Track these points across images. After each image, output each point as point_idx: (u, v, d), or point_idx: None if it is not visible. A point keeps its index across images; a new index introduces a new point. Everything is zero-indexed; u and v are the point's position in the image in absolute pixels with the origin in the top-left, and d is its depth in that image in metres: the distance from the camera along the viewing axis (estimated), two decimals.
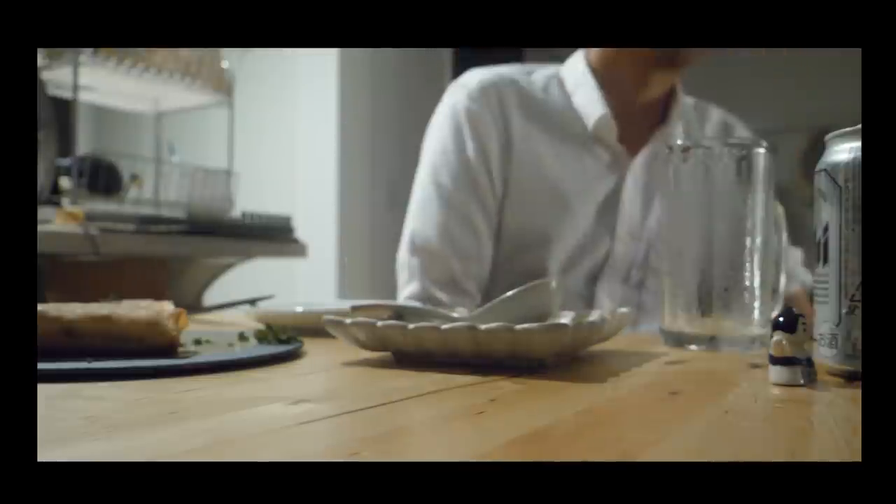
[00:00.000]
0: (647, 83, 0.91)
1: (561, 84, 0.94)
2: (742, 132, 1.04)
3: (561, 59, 0.98)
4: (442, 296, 0.88)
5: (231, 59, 1.67)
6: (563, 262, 0.90)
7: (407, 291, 0.91)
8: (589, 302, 0.91)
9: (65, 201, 1.33)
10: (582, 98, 0.92)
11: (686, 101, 1.00)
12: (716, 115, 1.04)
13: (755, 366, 0.49)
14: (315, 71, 2.52)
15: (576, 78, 0.93)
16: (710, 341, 0.58)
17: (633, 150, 0.92)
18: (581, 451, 0.27)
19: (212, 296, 1.49)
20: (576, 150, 0.91)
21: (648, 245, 0.91)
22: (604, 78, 0.92)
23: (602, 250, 0.90)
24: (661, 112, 0.95)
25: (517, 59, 0.99)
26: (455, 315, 0.58)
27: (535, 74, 0.96)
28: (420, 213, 0.92)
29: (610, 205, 0.91)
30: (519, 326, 0.44)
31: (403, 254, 0.93)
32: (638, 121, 0.93)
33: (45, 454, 0.25)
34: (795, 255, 1.00)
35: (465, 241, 0.90)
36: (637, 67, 0.90)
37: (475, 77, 0.94)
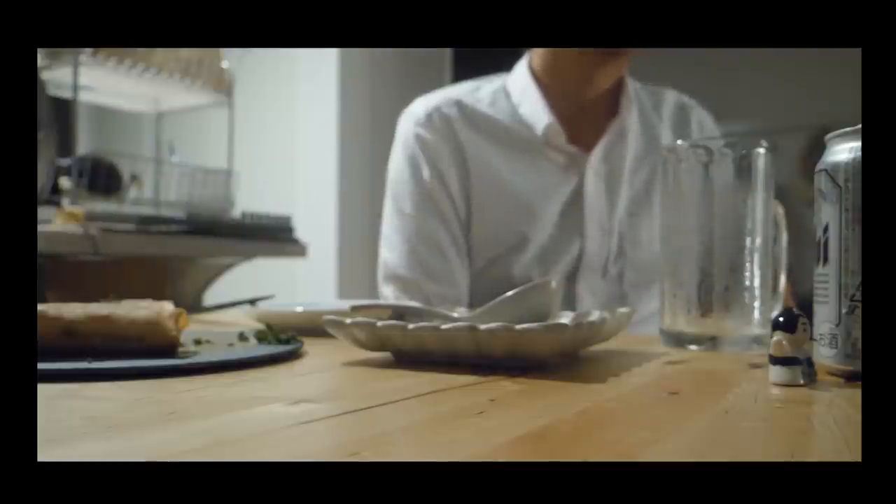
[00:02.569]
0: (593, 79, 0.91)
1: (507, 96, 0.96)
2: (699, 113, 1.04)
3: None
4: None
5: (231, 59, 1.67)
6: (536, 265, 0.91)
7: None
8: (570, 301, 0.91)
9: (65, 201, 1.33)
10: (527, 108, 0.93)
11: (637, 87, 1.00)
12: (671, 97, 1.04)
13: (755, 366, 0.49)
14: (315, 71, 2.52)
15: (520, 88, 0.95)
16: (710, 341, 0.58)
17: (589, 145, 0.93)
18: (581, 451, 0.27)
19: (212, 296, 1.49)
20: (530, 157, 0.92)
21: (620, 237, 0.92)
22: (547, 83, 0.94)
23: (574, 249, 0.91)
24: (611, 104, 0.95)
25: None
26: (455, 315, 0.58)
27: (482, 91, 0.98)
28: (388, 244, 0.95)
29: (574, 204, 0.92)
30: (519, 326, 0.44)
31: (379, 285, 0.95)
32: (590, 117, 0.94)
33: (45, 454, 0.25)
34: None
35: (434, 264, 0.91)
36: (581, 66, 0.91)
37: (421, 104, 0.97)
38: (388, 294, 0.92)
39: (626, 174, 0.94)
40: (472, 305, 0.92)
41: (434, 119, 0.94)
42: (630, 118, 0.94)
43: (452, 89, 0.99)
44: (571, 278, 0.91)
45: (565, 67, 0.92)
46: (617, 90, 0.95)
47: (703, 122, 1.03)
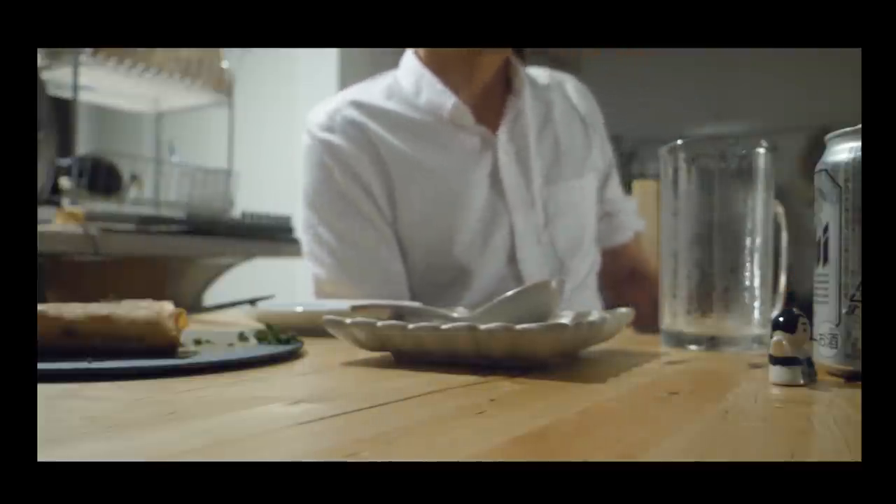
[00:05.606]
0: (475, 66, 0.93)
1: (401, 89, 0.95)
2: (591, 100, 1.06)
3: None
4: None
5: (231, 59, 1.67)
6: (474, 245, 0.91)
7: None
8: (518, 281, 0.91)
9: (65, 201, 1.33)
10: (427, 95, 0.93)
11: (532, 71, 1.03)
12: (570, 81, 1.06)
13: (755, 366, 0.49)
14: (315, 71, 2.52)
15: (414, 79, 0.94)
16: (710, 341, 0.58)
17: (493, 126, 0.93)
18: (581, 451, 0.27)
19: (212, 296, 1.49)
20: (441, 142, 0.92)
21: (544, 206, 0.94)
22: (438, 70, 0.93)
23: (504, 224, 0.92)
24: (505, 83, 0.97)
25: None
26: (455, 315, 0.58)
27: (374, 88, 0.97)
28: (314, 258, 0.92)
29: (495, 184, 0.93)
30: (519, 326, 0.44)
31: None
32: (489, 99, 0.95)
33: (45, 454, 0.25)
34: (627, 207, 1.06)
35: (364, 265, 0.89)
36: (462, 53, 0.92)
37: (319, 111, 0.95)
38: None
39: (532, 148, 0.95)
40: (416, 296, 0.90)
41: (336, 121, 0.92)
42: (524, 95, 0.96)
43: (344, 92, 0.98)
44: (512, 257, 0.92)
45: (449, 55, 0.93)
46: (507, 70, 0.97)
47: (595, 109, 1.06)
